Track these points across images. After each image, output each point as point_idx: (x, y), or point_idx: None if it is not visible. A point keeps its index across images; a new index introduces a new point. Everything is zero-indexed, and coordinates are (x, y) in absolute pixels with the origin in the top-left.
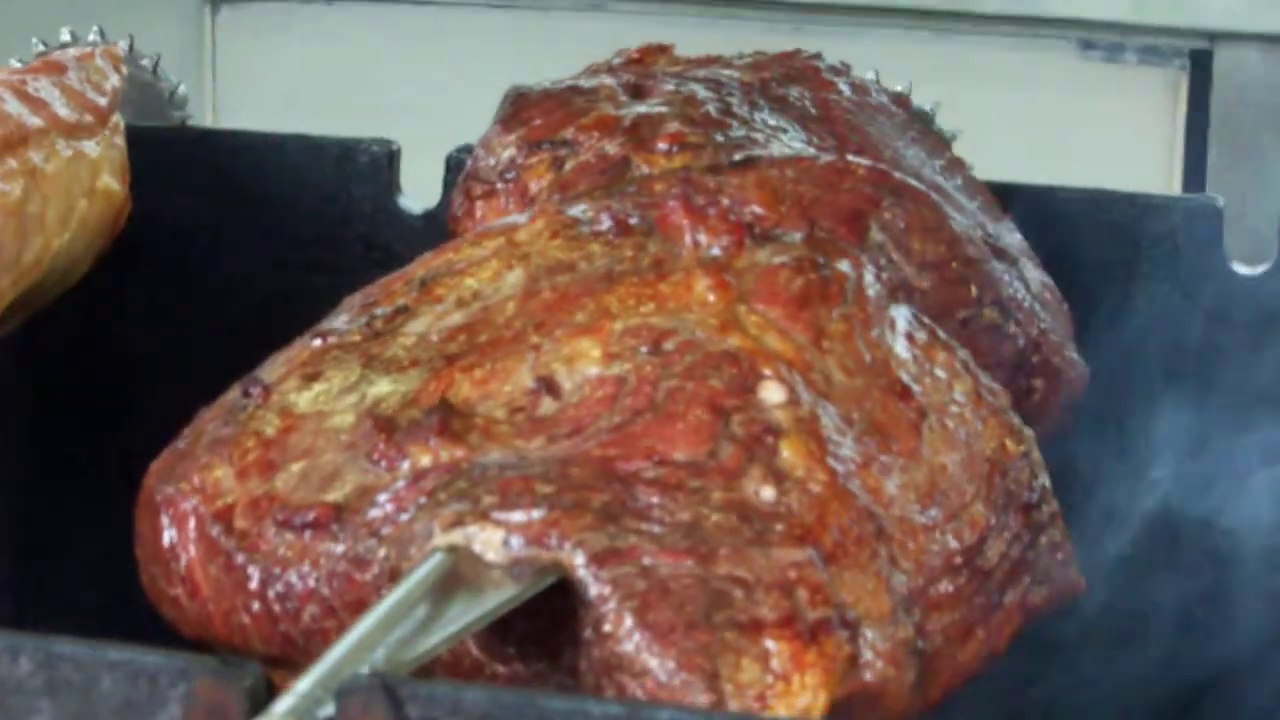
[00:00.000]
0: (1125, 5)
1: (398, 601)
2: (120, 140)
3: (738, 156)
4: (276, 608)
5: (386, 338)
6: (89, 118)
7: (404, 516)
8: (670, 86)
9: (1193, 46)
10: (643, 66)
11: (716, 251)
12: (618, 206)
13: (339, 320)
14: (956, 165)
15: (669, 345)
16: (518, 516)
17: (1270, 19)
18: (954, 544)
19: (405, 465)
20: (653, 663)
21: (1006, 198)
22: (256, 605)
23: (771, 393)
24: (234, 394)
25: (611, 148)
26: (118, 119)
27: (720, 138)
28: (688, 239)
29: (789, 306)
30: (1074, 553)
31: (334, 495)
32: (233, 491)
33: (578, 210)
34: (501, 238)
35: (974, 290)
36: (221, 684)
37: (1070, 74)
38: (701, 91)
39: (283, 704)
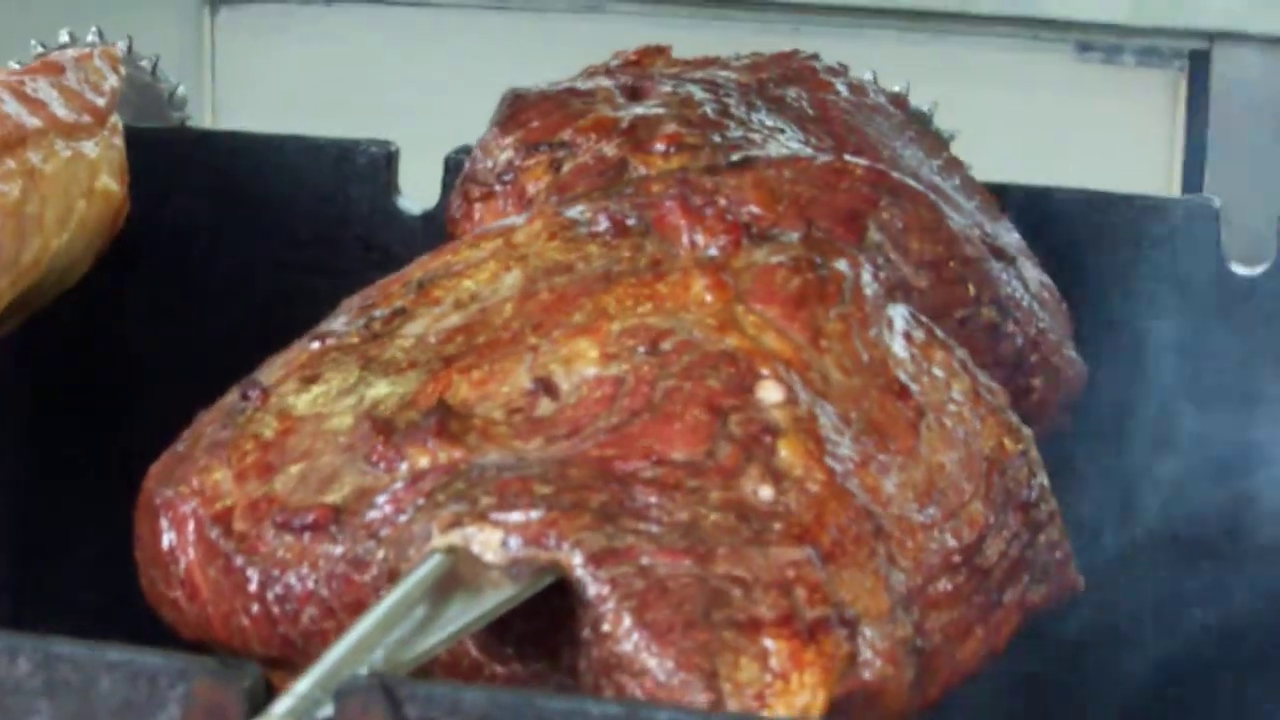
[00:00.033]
0: (1124, 6)
1: (396, 602)
2: (119, 141)
3: (735, 157)
4: (276, 609)
5: (385, 340)
6: (87, 118)
7: (402, 518)
8: (667, 88)
9: (1191, 47)
10: (640, 68)
11: (714, 252)
12: (615, 207)
13: (337, 322)
14: (954, 165)
15: (666, 345)
16: (516, 517)
17: (1269, 20)
18: (952, 542)
19: (403, 467)
20: (651, 662)
21: (1004, 199)
22: (256, 607)
23: (769, 392)
24: (232, 397)
25: (609, 149)
26: (116, 119)
27: (718, 138)
28: (685, 239)
29: (786, 306)
30: (1072, 552)
31: (332, 497)
32: (232, 494)
33: (575, 211)
34: (499, 239)
35: (972, 289)
36: (220, 685)
37: (1068, 75)
38: (699, 93)
39: (281, 705)
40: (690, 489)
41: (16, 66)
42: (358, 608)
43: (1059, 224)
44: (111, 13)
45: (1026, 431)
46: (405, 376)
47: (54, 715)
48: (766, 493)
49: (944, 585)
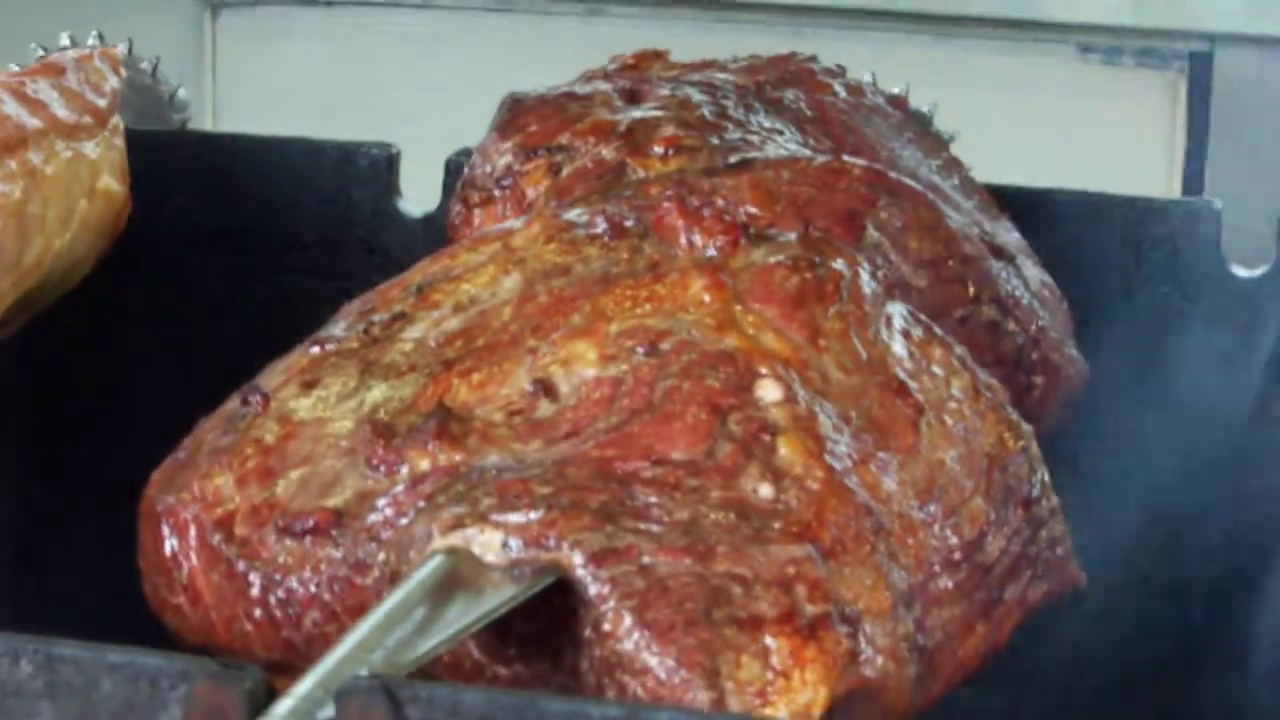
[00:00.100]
0: (1124, 8)
1: (397, 604)
2: (120, 141)
3: (733, 159)
4: (278, 614)
5: (384, 344)
6: (88, 119)
7: (403, 521)
8: (665, 91)
9: (1192, 49)
10: (638, 72)
11: (712, 252)
12: (613, 209)
13: (337, 327)
14: (953, 165)
15: (665, 346)
16: (516, 518)
17: (1269, 21)
18: (953, 539)
19: (404, 470)
20: (653, 661)
21: (1005, 201)
22: (258, 612)
23: (768, 391)
24: (233, 403)
25: (607, 152)
26: (117, 120)
27: (716, 140)
28: (683, 240)
29: (785, 305)
30: (1073, 548)
31: (334, 501)
32: (233, 499)
33: (573, 214)
34: (498, 243)
35: (971, 288)
36: (221, 686)
37: (1069, 77)
38: (696, 95)
39: (283, 706)
40: (690, 488)
41: (16, 69)
42: (360, 611)
43: (1059, 226)
44: (112, 16)
45: (1026, 428)
46: (405, 380)
47: (56, 717)
48: (766, 491)
49: (945, 582)
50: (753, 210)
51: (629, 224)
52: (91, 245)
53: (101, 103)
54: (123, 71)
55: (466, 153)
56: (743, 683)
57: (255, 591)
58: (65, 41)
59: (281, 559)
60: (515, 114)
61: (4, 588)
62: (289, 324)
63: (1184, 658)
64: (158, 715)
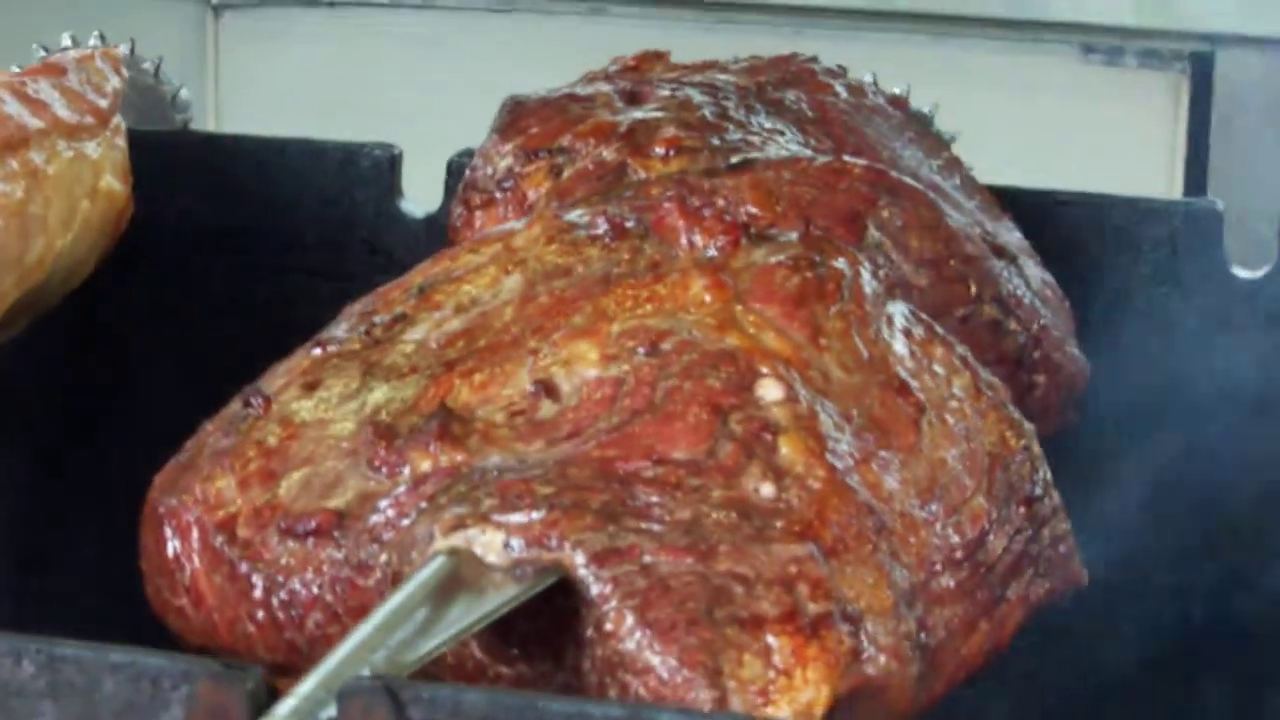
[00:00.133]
0: (1126, 9)
1: (399, 604)
2: (122, 141)
3: (734, 159)
4: (281, 615)
5: (386, 345)
6: (90, 119)
7: (405, 521)
8: (666, 92)
9: (1193, 50)
10: (639, 73)
11: (712, 252)
12: (614, 210)
13: (339, 329)
14: (954, 165)
15: (666, 346)
16: (518, 518)
17: (1271, 22)
18: (955, 538)
19: (406, 471)
20: (654, 660)
21: (1006, 201)
22: (261, 614)
23: (769, 390)
24: (235, 405)
25: (608, 154)
26: (119, 120)
27: (717, 141)
28: (683, 240)
29: (786, 305)
30: (1076, 546)
31: (336, 502)
32: (235, 501)
33: (574, 215)
34: (499, 244)
35: (973, 287)
36: (223, 686)
37: (1071, 78)
38: (697, 96)
39: (285, 706)
40: (691, 488)
41: (18, 70)
42: (362, 612)
43: (1061, 226)
44: (114, 16)
45: (1028, 426)
46: (407, 381)
47: (58, 717)
48: (768, 490)
49: (947, 581)
50: (753, 210)
51: (630, 224)
52: (94, 245)
53: (103, 103)
54: (124, 72)
55: (469, 153)
56: (745, 682)
57: (258, 593)
58: (67, 42)
59: (284, 561)
60: (516, 116)
61: (6, 588)
62: (291, 324)
63: (1184, 658)
64: (160, 715)
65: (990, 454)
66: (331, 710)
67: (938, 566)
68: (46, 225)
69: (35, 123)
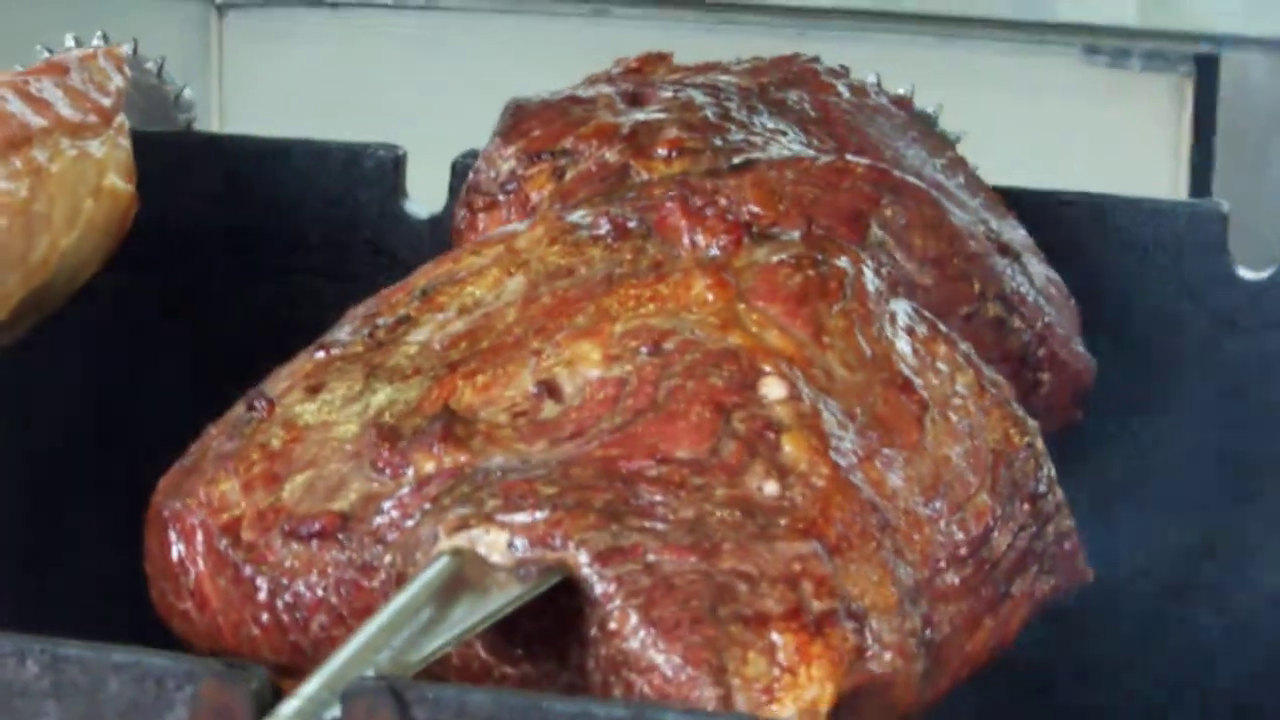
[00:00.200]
0: (1130, 10)
1: (403, 605)
2: (125, 140)
3: (737, 160)
4: (286, 618)
5: (389, 347)
6: (93, 117)
7: (409, 523)
8: (668, 93)
9: (1198, 52)
10: (641, 75)
11: (715, 251)
12: (616, 211)
13: (342, 332)
14: (958, 164)
15: (669, 345)
16: (521, 518)
17: (1275, 23)
18: (959, 535)
19: (410, 472)
20: (659, 658)
21: (1010, 202)
22: (266, 616)
23: (772, 389)
24: (239, 409)
25: (611, 155)
26: (122, 119)
27: (719, 142)
28: (686, 240)
29: (788, 303)
30: (1081, 543)
31: (339, 504)
32: (239, 504)
33: (576, 216)
34: (501, 245)
35: (976, 286)
36: (227, 686)
37: (1075, 79)
38: (699, 97)
39: (288, 706)
40: (695, 486)
41: (21, 70)
42: (367, 613)
43: (1065, 228)
44: (117, 16)
45: (1032, 423)
46: (410, 383)
47: (61, 717)
48: (771, 488)
49: (951, 577)
50: (756, 209)
51: (632, 225)
52: (98, 245)
53: (106, 101)
54: (127, 70)
55: (473, 154)
56: (749, 679)
57: (262, 596)
58: (70, 42)
59: (288, 563)
60: (518, 119)
61: (8, 588)
62: (294, 325)
63: (1184, 658)
64: (164, 715)
65: (994, 451)
66: (335, 710)
67: (942, 563)
68: (51, 224)
69: (38, 121)
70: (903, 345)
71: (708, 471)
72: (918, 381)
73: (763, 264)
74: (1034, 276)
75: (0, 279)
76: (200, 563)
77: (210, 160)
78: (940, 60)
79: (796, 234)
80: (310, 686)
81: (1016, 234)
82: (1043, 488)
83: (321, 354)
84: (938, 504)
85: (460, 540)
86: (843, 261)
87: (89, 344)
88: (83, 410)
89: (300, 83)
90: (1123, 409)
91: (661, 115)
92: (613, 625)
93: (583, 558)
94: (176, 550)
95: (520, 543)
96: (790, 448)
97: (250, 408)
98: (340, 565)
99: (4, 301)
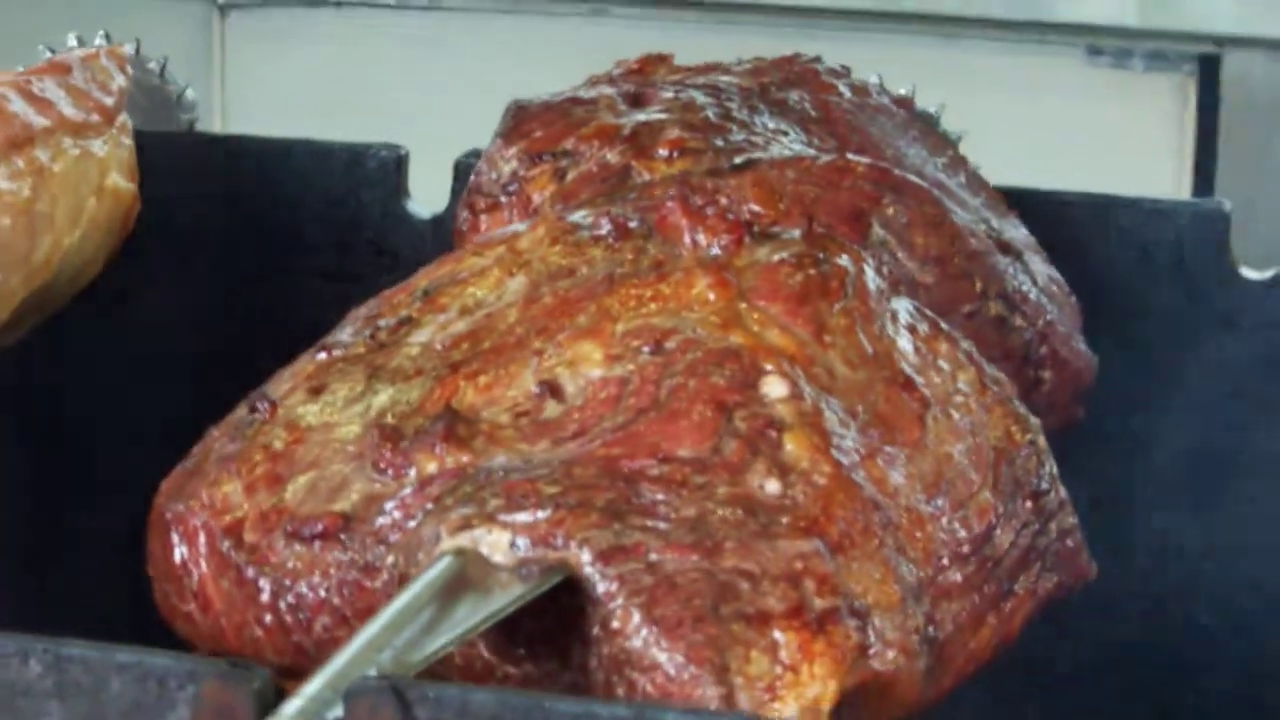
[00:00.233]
0: (1132, 10)
1: (405, 604)
2: (128, 140)
3: (738, 160)
4: (289, 619)
5: (391, 348)
6: (96, 117)
7: (411, 523)
8: (669, 94)
9: (1200, 52)
10: (642, 76)
11: (716, 251)
12: (617, 211)
13: (344, 333)
14: (959, 163)
15: (670, 344)
16: (523, 518)
17: (1278, 23)
18: (962, 532)
19: (412, 473)
20: (661, 657)
21: (1012, 202)
22: (269, 617)
23: (774, 387)
24: (241, 410)
25: (612, 156)
26: (125, 119)
27: (720, 142)
28: (687, 239)
29: (790, 302)
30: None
31: (342, 505)
32: (242, 506)
33: (578, 216)
34: (503, 246)
35: (978, 284)
36: (230, 686)
37: (1077, 79)
38: (700, 97)
39: (291, 706)
40: (697, 485)
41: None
42: (369, 614)
43: (1067, 227)
44: (120, 17)
45: (1034, 421)
46: (412, 384)
47: (64, 716)
48: (773, 486)
49: (954, 575)
50: (756, 209)
51: (633, 225)
52: (101, 244)
53: (109, 101)
54: (129, 70)
55: (475, 154)
56: (752, 677)
57: (265, 597)
58: (72, 42)
59: (291, 564)
60: (520, 120)
61: (10, 588)
62: (296, 325)
63: (1185, 658)
64: (166, 715)
65: (996, 449)
66: (338, 710)
67: (944, 561)
68: (53, 223)
69: (41, 121)
70: (904, 343)
71: (709, 470)
72: (919, 379)
73: (764, 263)
74: (1035, 275)
75: (3, 279)
76: (203, 565)
77: (212, 160)
78: (942, 60)
79: (798, 233)
80: (313, 686)
81: (1018, 232)
82: (1045, 485)
83: (323, 355)
84: (940, 501)
85: (462, 540)
86: (844, 260)
87: (88, 342)
88: (83, 410)
89: (303, 83)
90: (1123, 408)
91: (663, 116)
92: (615, 624)
93: (585, 557)
94: (179, 552)
95: (522, 542)
96: (792, 446)
97: (252, 409)
98: (343, 566)
99: (7, 301)
